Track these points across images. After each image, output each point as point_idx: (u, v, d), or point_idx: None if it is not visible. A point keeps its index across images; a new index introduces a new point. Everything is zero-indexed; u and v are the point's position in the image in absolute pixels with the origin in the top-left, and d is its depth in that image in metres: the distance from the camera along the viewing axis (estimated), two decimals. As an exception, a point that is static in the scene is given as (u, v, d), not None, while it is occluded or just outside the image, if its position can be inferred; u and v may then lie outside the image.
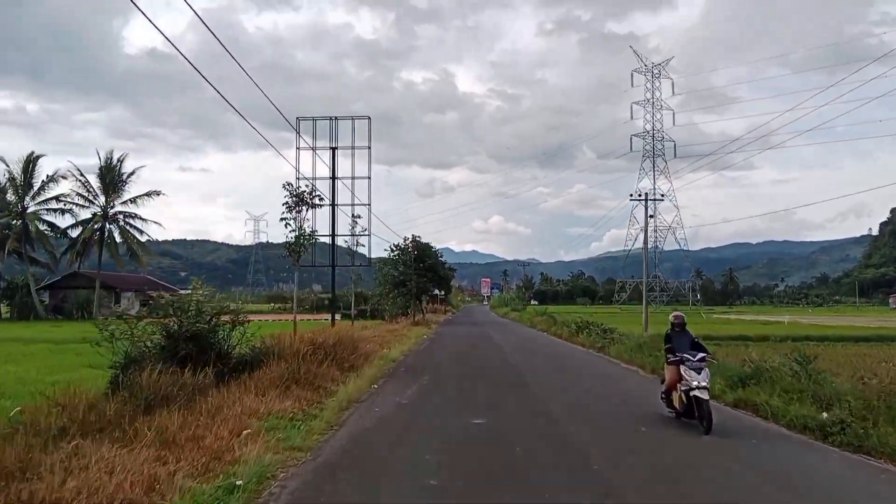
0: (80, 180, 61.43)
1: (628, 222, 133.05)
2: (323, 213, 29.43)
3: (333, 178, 29.48)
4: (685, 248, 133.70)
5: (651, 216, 36.52)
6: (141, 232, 64.38)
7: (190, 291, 15.01)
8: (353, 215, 29.33)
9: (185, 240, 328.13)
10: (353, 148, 29.56)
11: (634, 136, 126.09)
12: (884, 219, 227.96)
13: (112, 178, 62.62)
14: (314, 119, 29.28)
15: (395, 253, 51.30)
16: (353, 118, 29.63)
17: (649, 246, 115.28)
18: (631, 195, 39.89)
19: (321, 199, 22.01)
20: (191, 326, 13.45)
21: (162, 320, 13.69)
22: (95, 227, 61.96)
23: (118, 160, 63.30)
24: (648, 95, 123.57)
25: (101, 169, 62.43)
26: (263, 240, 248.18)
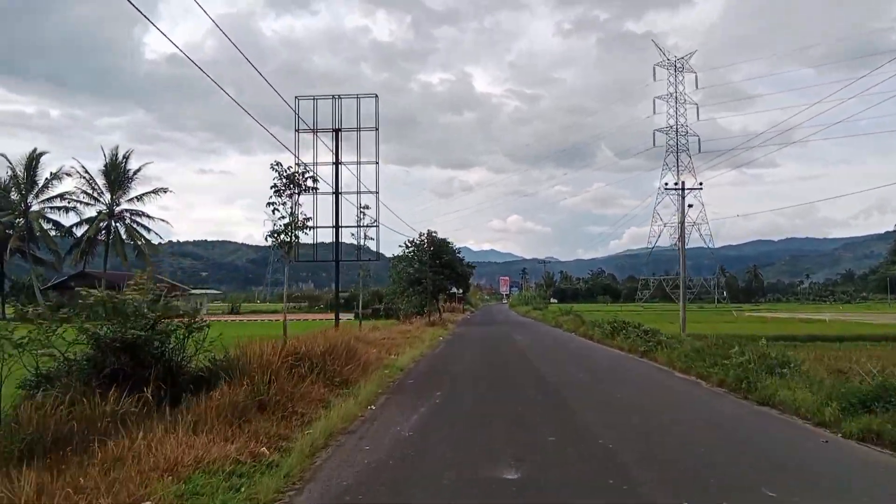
0: (84, 177, 58.81)
1: (651, 219, 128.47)
2: (326, 203, 26.02)
3: (337, 162, 26.02)
4: (710, 245, 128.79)
5: (690, 205, 32.61)
6: (148, 230, 61.49)
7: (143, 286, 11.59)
8: (359, 206, 25.86)
9: (206, 241, 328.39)
10: (358, 130, 26.07)
11: (657, 130, 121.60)
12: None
13: (117, 175, 59.87)
14: (314, 98, 25.85)
15: (410, 249, 47.83)
16: (358, 96, 26.15)
17: (674, 242, 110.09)
18: (665, 185, 36.28)
19: (315, 181, 18.32)
20: (123, 333, 10.03)
21: (87, 323, 10.33)
22: (101, 225, 59.27)
23: (124, 157, 60.55)
24: (671, 90, 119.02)
25: (105, 166, 59.72)
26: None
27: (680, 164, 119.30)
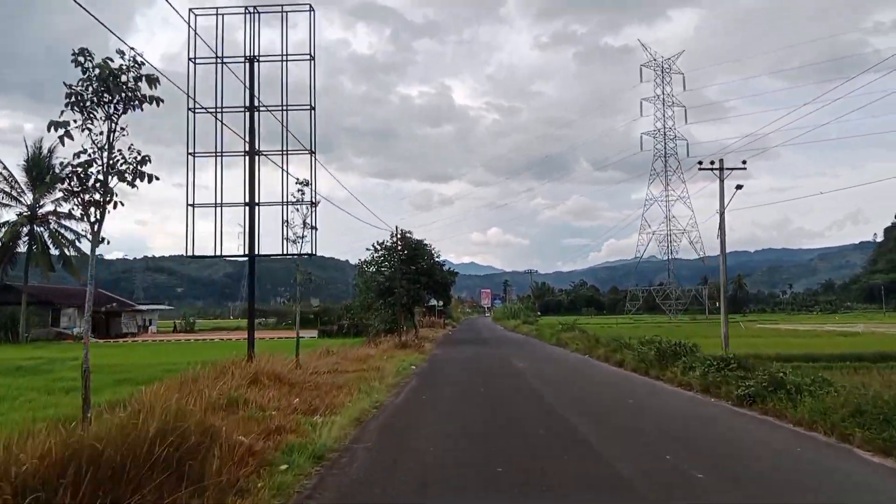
0: (1, 174, 49.19)
1: (640, 226, 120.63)
2: (235, 175, 17.02)
3: (251, 108, 17.08)
4: (702, 253, 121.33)
5: (739, 186, 24.32)
6: (79, 236, 51.81)
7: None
8: (284, 167, 16.78)
9: (181, 256, 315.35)
10: (284, 59, 17.19)
11: (644, 134, 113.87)
12: (888, 223, 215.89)
13: (41, 171, 50.27)
14: (217, 11, 16.90)
15: (380, 253, 38.77)
16: (282, 8, 17.29)
17: (662, 251, 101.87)
18: (700, 164, 27.56)
19: (154, 82, 8.88)
20: None
21: None
22: (20, 229, 49.61)
23: (49, 150, 50.94)
24: (658, 91, 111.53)
25: (27, 161, 50.19)
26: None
27: (668, 168, 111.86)
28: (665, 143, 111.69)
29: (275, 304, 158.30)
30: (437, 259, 41.08)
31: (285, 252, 16.54)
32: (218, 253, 16.28)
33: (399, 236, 37.67)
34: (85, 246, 52.18)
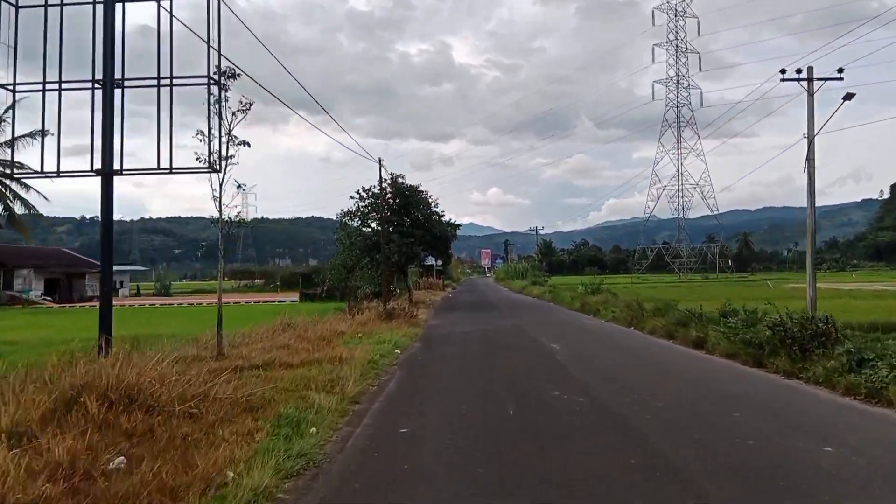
0: (-70, 116, 41.67)
1: (650, 182, 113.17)
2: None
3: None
4: (714, 210, 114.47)
5: (849, 95, 16.85)
6: (27, 188, 44.55)
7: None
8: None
9: (179, 217, 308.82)
10: None
11: (657, 82, 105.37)
12: (895, 181, 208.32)
13: (-22, 113, 42.73)
14: None
15: (367, 201, 31.58)
16: None
17: (671, 208, 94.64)
18: (783, 72, 20.38)
19: None
20: None
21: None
22: (-45, 180, 42.38)
23: (-14, 88, 43.28)
24: (671, 36, 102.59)
25: (-41, 100, 42.64)
26: (254, 215, 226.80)
27: (681, 119, 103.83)
28: (678, 92, 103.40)
29: (273, 264, 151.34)
30: (435, 209, 33.92)
31: (166, 166, 9.38)
32: (50, 170, 9.18)
33: (389, 181, 30.44)
34: (34, 198, 45.15)
